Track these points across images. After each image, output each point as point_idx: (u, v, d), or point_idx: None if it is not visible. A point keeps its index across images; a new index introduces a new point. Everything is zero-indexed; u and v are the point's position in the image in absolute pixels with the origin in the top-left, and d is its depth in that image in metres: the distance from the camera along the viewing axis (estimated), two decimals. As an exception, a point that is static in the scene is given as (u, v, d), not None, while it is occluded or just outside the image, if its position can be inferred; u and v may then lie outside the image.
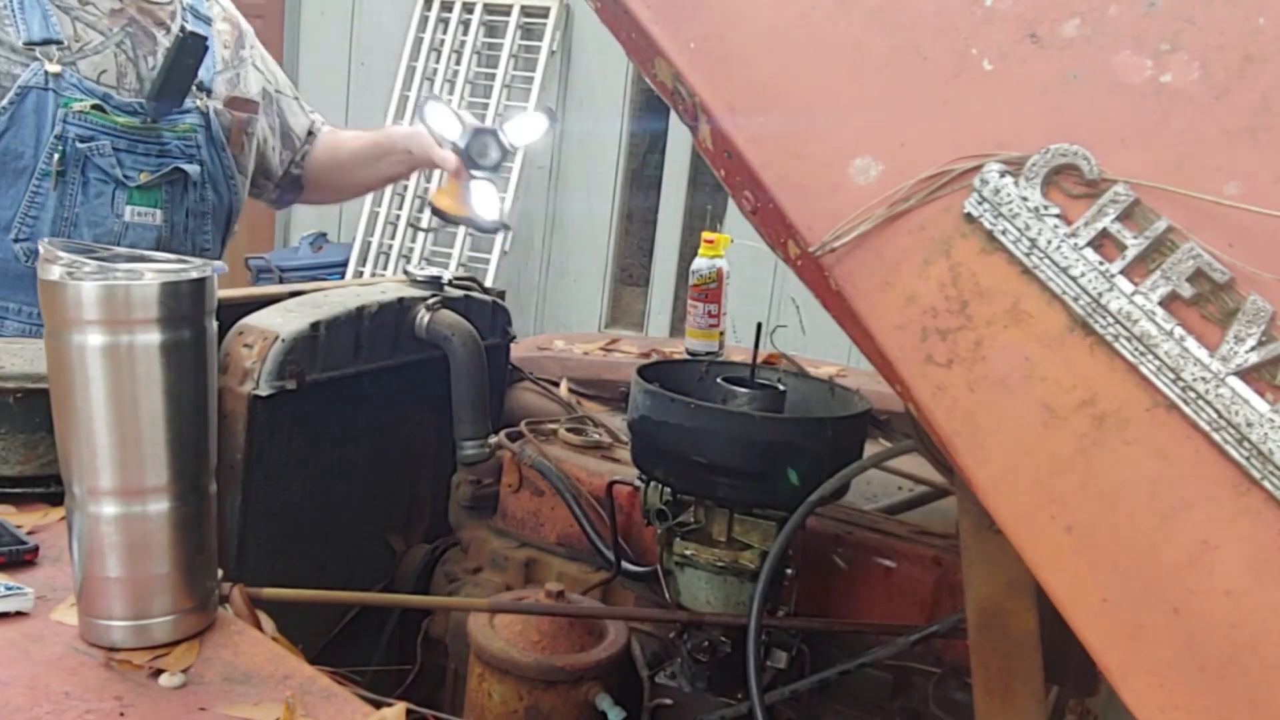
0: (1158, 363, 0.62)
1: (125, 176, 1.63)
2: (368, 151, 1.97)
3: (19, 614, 0.92)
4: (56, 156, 1.57)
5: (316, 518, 1.42)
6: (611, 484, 1.36)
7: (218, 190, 1.77)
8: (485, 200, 1.67)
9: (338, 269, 5.40)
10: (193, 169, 1.71)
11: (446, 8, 5.43)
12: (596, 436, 1.56)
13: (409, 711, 0.85)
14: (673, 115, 0.81)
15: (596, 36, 5.04)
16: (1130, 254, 0.63)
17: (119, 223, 1.64)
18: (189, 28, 1.70)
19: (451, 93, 5.39)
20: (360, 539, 1.54)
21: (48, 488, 1.13)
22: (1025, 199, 0.66)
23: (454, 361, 1.49)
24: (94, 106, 1.60)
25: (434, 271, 1.57)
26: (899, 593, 1.26)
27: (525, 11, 5.26)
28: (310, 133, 2.00)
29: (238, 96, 1.81)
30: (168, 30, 1.71)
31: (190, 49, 1.63)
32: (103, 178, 1.62)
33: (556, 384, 1.83)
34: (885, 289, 0.68)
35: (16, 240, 1.59)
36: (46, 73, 1.57)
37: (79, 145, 1.58)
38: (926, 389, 0.67)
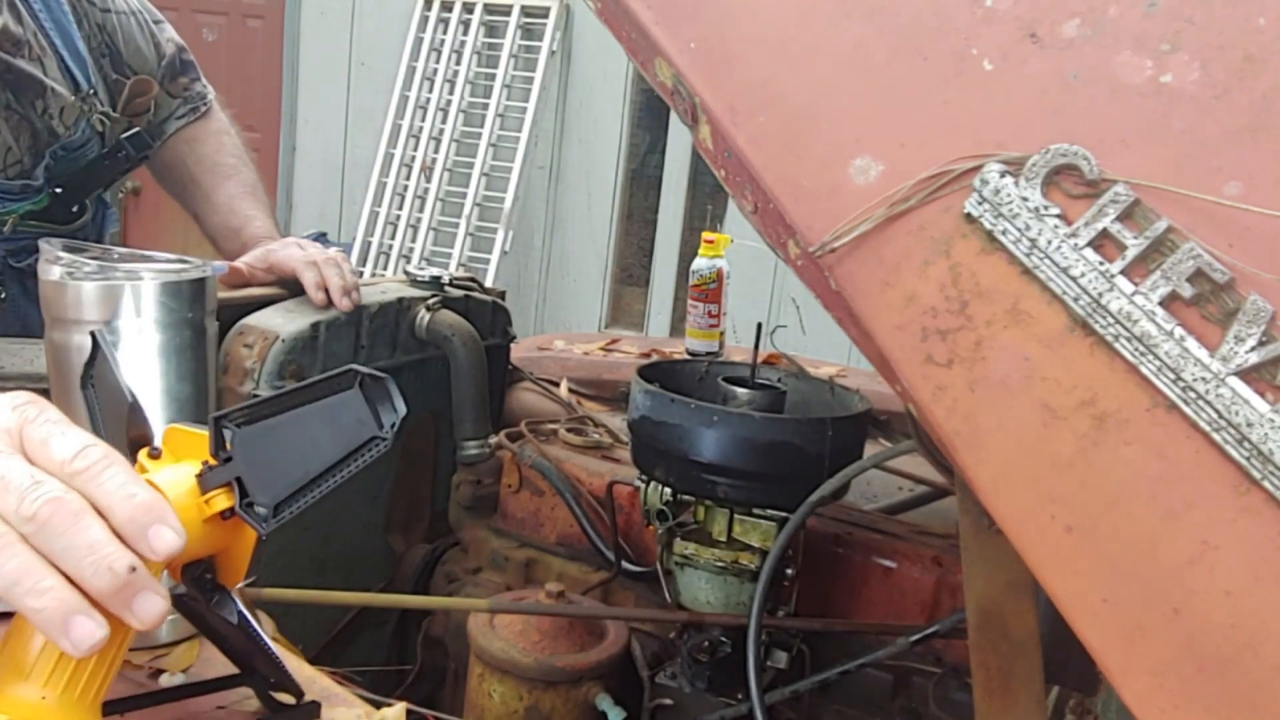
0: (1158, 363, 0.61)
1: None
2: (216, 195, 1.69)
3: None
4: None
5: (316, 518, 1.42)
6: (611, 484, 1.36)
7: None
8: None
9: (338, 269, 5.38)
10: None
11: (446, 8, 5.44)
12: (596, 436, 1.56)
13: (409, 711, 0.85)
14: (673, 115, 0.81)
15: (596, 36, 5.05)
16: (1130, 254, 0.63)
17: None
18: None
19: (451, 93, 5.39)
20: (360, 539, 1.54)
21: (48, 488, 1.13)
22: (1025, 199, 0.66)
23: (454, 362, 1.49)
24: None
25: (434, 271, 1.57)
26: (899, 593, 1.26)
27: (525, 11, 5.27)
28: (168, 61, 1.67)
29: (131, 106, 1.56)
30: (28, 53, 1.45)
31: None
32: None
33: (556, 384, 1.83)
34: (885, 289, 0.68)
35: None
36: None
37: None
38: (926, 389, 0.67)
